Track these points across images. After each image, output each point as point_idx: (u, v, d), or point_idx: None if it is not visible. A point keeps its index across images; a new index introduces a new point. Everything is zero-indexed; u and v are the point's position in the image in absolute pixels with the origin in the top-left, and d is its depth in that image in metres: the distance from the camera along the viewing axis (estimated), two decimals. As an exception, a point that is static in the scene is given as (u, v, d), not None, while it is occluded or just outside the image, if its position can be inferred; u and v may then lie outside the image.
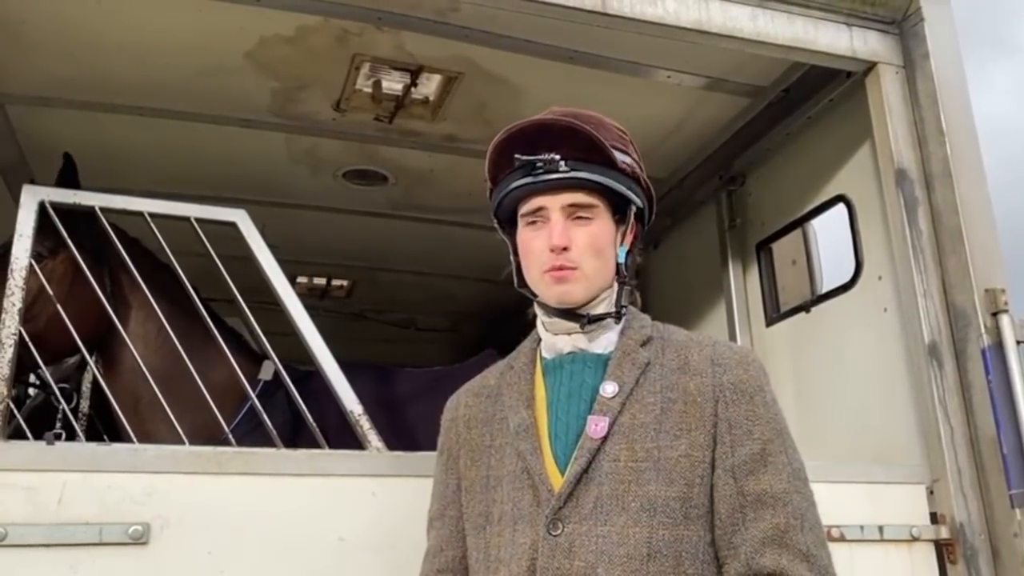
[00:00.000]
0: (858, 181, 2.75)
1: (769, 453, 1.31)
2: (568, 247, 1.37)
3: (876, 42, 2.58)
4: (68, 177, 2.51)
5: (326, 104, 2.98)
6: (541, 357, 1.49)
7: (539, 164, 1.37)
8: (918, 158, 2.49)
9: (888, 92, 2.54)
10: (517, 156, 1.38)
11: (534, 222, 1.41)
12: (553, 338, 1.45)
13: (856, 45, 2.55)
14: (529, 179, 1.39)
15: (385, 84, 2.88)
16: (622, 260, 1.45)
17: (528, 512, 1.32)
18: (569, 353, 1.44)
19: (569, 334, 1.44)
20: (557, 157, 1.36)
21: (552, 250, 1.37)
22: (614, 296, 1.45)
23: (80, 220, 2.20)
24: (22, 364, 1.92)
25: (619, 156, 1.41)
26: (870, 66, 2.58)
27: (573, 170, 1.37)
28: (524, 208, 1.42)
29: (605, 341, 1.44)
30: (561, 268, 1.38)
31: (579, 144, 1.37)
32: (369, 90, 2.90)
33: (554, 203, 1.39)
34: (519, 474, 1.36)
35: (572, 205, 1.38)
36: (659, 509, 1.27)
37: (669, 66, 2.80)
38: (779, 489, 1.29)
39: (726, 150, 3.30)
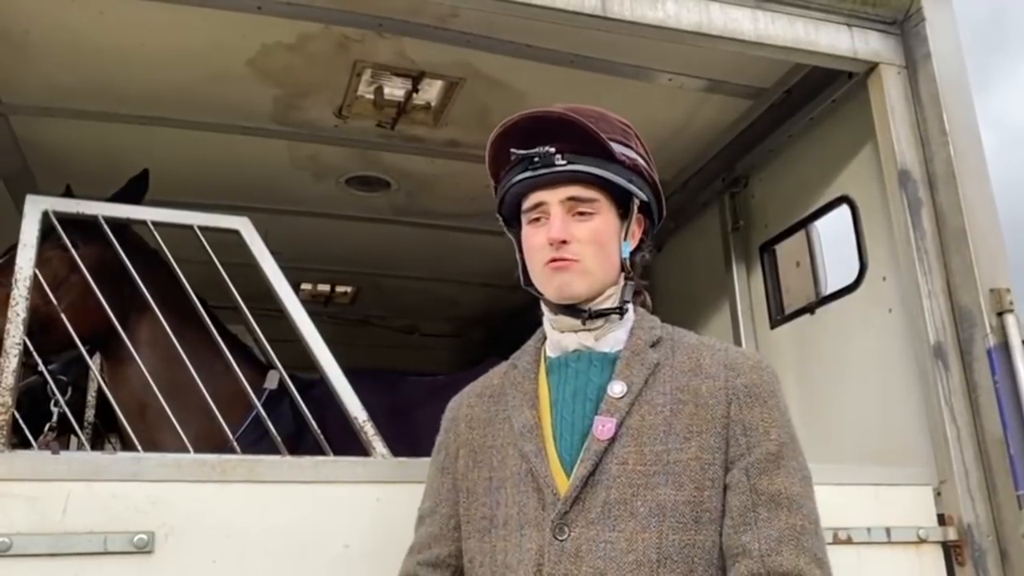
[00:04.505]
0: (861, 182, 2.74)
1: (783, 456, 1.30)
2: (568, 240, 1.35)
3: (877, 43, 2.58)
4: (136, 189, 2.58)
5: (328, 111, 2.98)
6: (545, 356, 1.47)
7: (536, 158, 1.35)
8: (921, 158, 2.48)
9: (890, 93, 2.53)
10: (513, 151, 1.37)
11: (536, 219, 1.40)
12: (559, 336, 1.43)
13: (857, 46, 2.54)
14: (528, 173, 1.37)
15: (387, 90, 2.89)
16: (626, 255, 1.42)
17: (534, 516, 1.30)
18: (575, 351, 1.42)
19: (575, 332, 1.41)
20: (553, 150, 1.35)
21: (551, 243, 1.36)
22: (619, 292, 1.43)
23: (110, 225, 2.20)
24: (27, 353, 1.92)
25: (618, 148, 1.39)
26: (872, 67, 2.57)
27: (570, 163, 1.35)
28: (526, 204, 1.41)
29: (613, 340, 1.41)
30: (562, 260, 1.36)
31: (576, 137, 1.35)
32: (371, 96, 2.91)
33: (553, 197, 1.37)
34: (523, 476, 1.34)
35: (572, 199, 1.37)
36: (669, 513, 1.25)
37: (670, 69, 2.81)
38: (794, 492, 1.28)
39: (729, 152, 3.30)
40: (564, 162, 1.35)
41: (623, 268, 1.43)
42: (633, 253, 1.46)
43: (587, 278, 1.37)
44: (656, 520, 1.25)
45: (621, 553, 1.24)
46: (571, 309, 1.40)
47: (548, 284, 1.40)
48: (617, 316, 1.42)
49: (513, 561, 1.30)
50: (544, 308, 1.46)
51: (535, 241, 1.40)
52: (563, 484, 1.30)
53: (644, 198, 1.44)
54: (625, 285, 1.44)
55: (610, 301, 1.42)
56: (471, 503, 1.42)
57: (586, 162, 1.36)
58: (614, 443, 1.30)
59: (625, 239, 1.42)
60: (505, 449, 1.40)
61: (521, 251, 1.47)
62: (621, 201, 1.41)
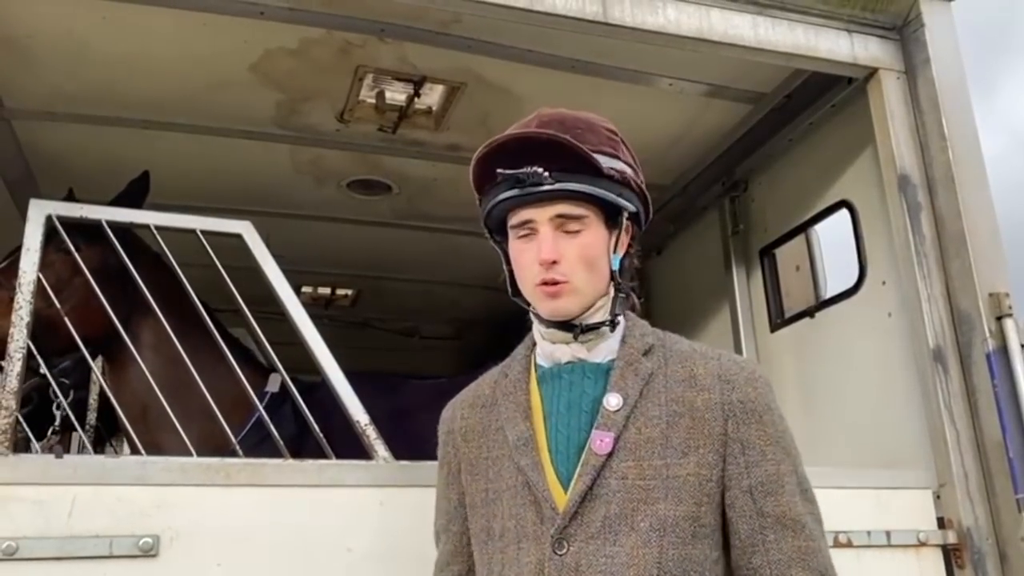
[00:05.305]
0: (861, 186, 2.76)
1: (783, 474, 1.31)
2: (558, 260, 1.34)
3: (877, 48, 2.59)
4: (137, 191, 2.59)
5: (330, 115, 3.00)
6: (536, 365, 1.45)
7: (523, 177, 1.33)
8: (920, 163, 2.49)
9: (889, 97, 2.54)
10: (500, 171, 1.34)
11: (524, 235, 1.38)
12: (551, 347, 1.42)
13: (857, 51, 2.56)
14: (515, 192, 1.34)
15: (388, 95, 2.90)
16: (616, 267, 1.41)
17: (532, 530, 1.30)
18: (568, 363, 1.41)
19: (567, 343, 1.40)
20: (541, 170, 1.32)
21: (541, 264, 1.34)
22: (609, 304, 1.41)
23: (112, 229, 2.21)
24: (31, 355, 1.92)
25: (607, 162, 1.37)
26: (871, 72, 2.58)
27: (559, 182, 1.33)
28: (513, 220, 1.39)
29: (605, 350, 1.40)
30: (553, 283, 1.34)
31: (564, 154, 1.33)
32: (372, 101, 2.92)
33: (542, 215, 1.35)
34: (520, 489, 1.33)
35: (560, 216, 1.35)
36: (669, 528, 1.26)
37: (671, 74, 2.82)
38: (797, 512, 1.30)
39: (729, 156, 3.31)
40: (553, 181, 1.32)
41: (613, 279, 1.42)
42: (621, 260, 1.44)
43: (578, 297, 1.36)
44: (657, 535, 1.25)
45: (622, 567, 1.24)
46: (563, 324, 1.39)
47: (541, 306, 1.39)
48: (609, 328, 1.41)
49: (511, 574, 1.30)
50: (534, 319, 1.45)
51: (525, 258, 1.38)
52: (561, 498, 1.29)
53: (633, 209, 1.42)
54: (616, 297, 1.42)
55: (600, 313, 1.40)
56: (473, 516, 1.42)
57: (574, 179, 1.33)
58: (612, 457, 1.30)
59: (615, 251, 1.41)
60: (500, 461, 1.39)
61: (508, 262, 1.45)
62: (610, 214, 1.40)
